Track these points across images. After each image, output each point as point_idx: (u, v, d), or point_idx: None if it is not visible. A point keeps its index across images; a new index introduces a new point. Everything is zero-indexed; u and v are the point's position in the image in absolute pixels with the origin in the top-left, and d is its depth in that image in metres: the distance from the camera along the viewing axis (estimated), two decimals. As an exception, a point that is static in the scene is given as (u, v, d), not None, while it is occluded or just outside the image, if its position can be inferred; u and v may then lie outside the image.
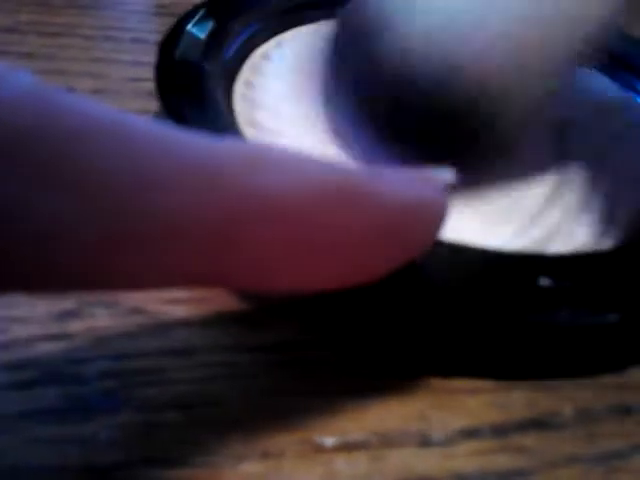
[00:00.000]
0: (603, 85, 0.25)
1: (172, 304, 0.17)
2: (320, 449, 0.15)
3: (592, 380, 0.17)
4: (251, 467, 0.14)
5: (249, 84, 0.22)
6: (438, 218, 0.14)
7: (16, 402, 0.15)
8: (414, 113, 0.18)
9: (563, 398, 0.16)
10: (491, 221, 0.19)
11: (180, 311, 0.17)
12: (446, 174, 0.15)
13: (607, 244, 0.19)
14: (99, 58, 0.25)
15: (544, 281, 0.16)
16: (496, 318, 0.16)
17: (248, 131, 0.20)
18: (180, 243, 0.11)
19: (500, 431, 0.16)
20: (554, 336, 0.16)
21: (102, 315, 0.17)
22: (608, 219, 0.19)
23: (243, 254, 0.11)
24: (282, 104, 0.21)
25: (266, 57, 0.23)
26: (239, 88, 0.22)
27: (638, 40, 0.26)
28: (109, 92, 0.24)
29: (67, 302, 0.17)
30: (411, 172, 0.14)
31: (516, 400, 0.16)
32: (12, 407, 0.15)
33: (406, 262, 0.14)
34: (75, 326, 0.16)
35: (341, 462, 0.15)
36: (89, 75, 0.24)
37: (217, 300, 0.17)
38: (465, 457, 0.15)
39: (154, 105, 0.21)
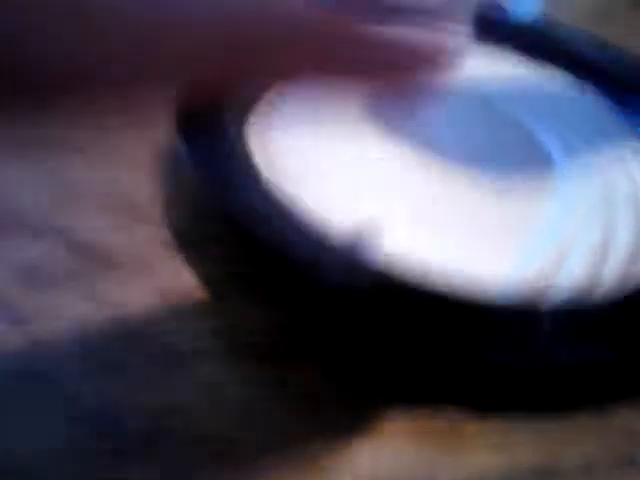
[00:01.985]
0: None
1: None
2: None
3: (596, 429, 0.17)
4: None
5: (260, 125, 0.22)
6: (446, 59, 0.15)
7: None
8: None
9: (567, 445, 0.17)
10: (494, 250, 0.20)
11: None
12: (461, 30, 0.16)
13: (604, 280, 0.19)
14: None
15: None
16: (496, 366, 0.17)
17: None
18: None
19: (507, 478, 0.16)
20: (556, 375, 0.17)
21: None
22: (604, 254, 0.20)
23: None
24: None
25: (271, 104, 0.23)
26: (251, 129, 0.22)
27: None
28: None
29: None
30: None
31: (521, 447, 0.16)
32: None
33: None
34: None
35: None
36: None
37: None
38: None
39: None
